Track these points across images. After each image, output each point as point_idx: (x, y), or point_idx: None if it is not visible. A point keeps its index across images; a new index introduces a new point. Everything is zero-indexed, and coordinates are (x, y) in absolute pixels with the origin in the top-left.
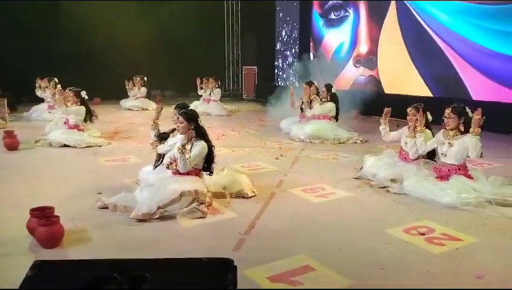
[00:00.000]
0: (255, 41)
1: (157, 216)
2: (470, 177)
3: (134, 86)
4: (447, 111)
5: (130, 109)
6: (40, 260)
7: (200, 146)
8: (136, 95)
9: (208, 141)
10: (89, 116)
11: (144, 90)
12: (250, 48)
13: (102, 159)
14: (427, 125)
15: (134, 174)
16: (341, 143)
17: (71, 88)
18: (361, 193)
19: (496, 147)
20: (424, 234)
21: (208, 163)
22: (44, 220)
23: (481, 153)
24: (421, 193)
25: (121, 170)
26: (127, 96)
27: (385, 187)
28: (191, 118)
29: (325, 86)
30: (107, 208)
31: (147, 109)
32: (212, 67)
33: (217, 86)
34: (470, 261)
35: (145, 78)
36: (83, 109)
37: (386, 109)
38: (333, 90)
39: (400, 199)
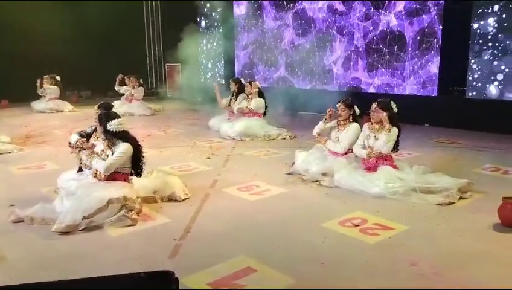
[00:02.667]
0: (178, 39)
1: (82, 227)
2: (395, 167)
3: (42, 86)
4: (373, 106)
5: (42, 112)
6: None
7: (122, 146)
8: (49, 96)
9: (131, 140)
10: None
11: (55, 89)
12: (173, 46)
13: (14, 167)
14: (355, 119)
15: (52, 182)
16: (271, 139)
17: None
18: (295, 188)
19: (414, 137)
20: (358, 225)
21: (135, 165)
22: None
23: (394, 147)
24: (351, 184)
25: (36, 178)
26: (38, 98)
27: (317, 181)
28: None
29: (249, 82)
30: (22, 221)
31: (62, 111)
32: (134, 65)
33: (138, 84)
34: (403, 248)
35: (57, 77)
36: None
37: (328, 109)
38: (257, 85)
39: (332, 192)
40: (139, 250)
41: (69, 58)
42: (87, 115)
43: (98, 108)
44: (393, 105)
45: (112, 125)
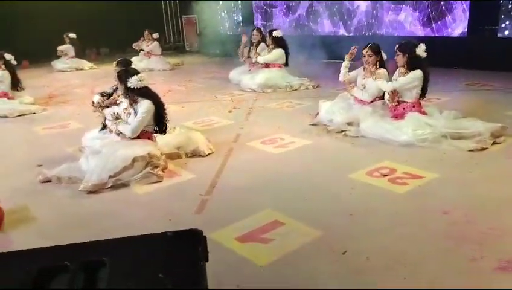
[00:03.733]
0: None
1: (109, 186)
2: (424, 113)
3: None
4: (395, 49)
5: (63, 71)
6: None
7: (144, 105)
8: (68, 55)
9: (153, 98)
10: (16, 82)
11: (68, 47)
12: None
13: (39, 128)
14: (383, 64)
15: (76, 141)
16: (293, 90)
17: None
18: (319, 139)
19: (442, 81)
20: (386, 175)
21: (158, 122)
22: None
23: (422, 93)
24: (378, 133)
25: (61, 137)
26: (58, 58)
27: (342, 131)
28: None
29: (269, 32)
30: (50, 181)
31: (81, 69)
32: (149, 19)
33: (152, 39)
34: (433, 197)
35: (71, 35)
36: (6, 73)
37: (352, 48)
38: (278, 34)
39: (358, 142)
40: (166, 206)
41: (86, 15)
42: (107, 73)
43: (117, 65)
44: (420, 48)
45: (133, 81)
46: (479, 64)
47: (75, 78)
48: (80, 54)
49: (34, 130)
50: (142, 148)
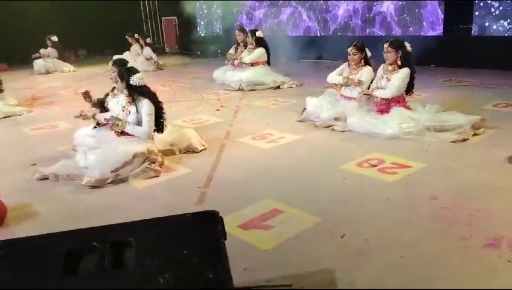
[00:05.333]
0: None
1: (110, 181)
2: (408, 108)
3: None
4: (385, 46)
5: (44, 73)
6: (2, 241)
7: (146, 105)
8: (48, 55)
9: (153, 97)
10: None
11: (51, 51)
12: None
13: (27, 128)
14: (367, 61)
15: (67, 140)
16: (278, 87)
17: None
18: (308, 134)
19: (421, 78)
20: (375, 166)
21: (156, 121)
22: None
23: (408, 89)
24: (365, 128)
25: (51, 137)
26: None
27: (330, 126)
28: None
29: (250, 31)
30: (47, 178)
31: (62, 72)
32: (128, 20)
33: (145, 43)
34: (422, 184)
35: (53, 38)
36: None
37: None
38: (260, 35)
39: (346, 136)
40: (166, 199)
41: (63, 16)
42: (89, 74)
43: (113, 65)
44: (407, 45)
45: (135, 79)
46: (454, 62)
47: (57, 80)
48: (61, 57)
49: (22, 130)
50: (141, 144)
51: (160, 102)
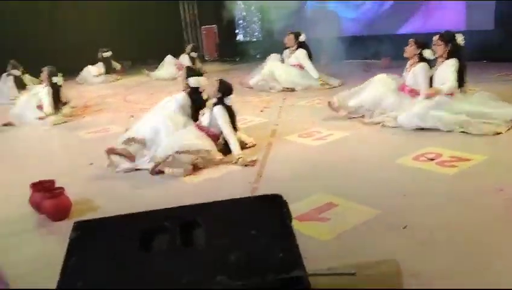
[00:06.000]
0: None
1: (170, 161)
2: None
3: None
4: (435, 38)
5: (92, 84)
6: (80, 221)
7: (220, 111)
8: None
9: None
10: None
11: (100, 65)
12: (208, 7)
13: (82, 133)
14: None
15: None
16: (321, 88)
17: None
18: (358, 131)
19: (473, 73)
20: (433, 159)
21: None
22: (49, 193)
23: (459, 83)
24: (415, 123)
25: (104, 139)
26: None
27: (379, 123)
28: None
29: (292, 33)
30: (120, 154)
31: (109, 82)
32: (168, 31)
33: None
34: (485, 177)
35: (105, 54)
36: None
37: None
38: (303, 39)
39: (397, 131)
40: (218, 194)
41: (105, 30)
42: (137, 82)
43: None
44: (459, 37)
45: (227, 100)
46: (508, 56)
47: (105, 89)
48: (109, 70)
49: (77, 135)
50: (206, 142)
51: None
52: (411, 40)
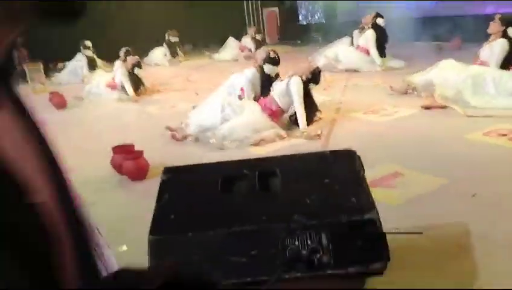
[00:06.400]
0: None
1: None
2: None
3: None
4: (496, 17)
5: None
6: (170, 166)
7: (296, 83)
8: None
9: None
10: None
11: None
12: None
13: (152, 108)
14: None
15: (186, 116)
16: (385, 70)
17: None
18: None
19: None
20: (505, 135)
21: None
22: (129, 155)
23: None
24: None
25: (172, 115)
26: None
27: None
28: None
29: (375, 14)
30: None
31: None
32: (230, 13)
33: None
34: None
35: (172, 38)
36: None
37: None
38: (381, 23)
39: (467, 111)
40: None
41: (166, 13)
42: (198, 65)
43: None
44: None
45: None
46: None
47: (167, 71)
48: (173, 54)
49: (147, 110)
50: (268, 124)
51: None
52: (497, 16)
